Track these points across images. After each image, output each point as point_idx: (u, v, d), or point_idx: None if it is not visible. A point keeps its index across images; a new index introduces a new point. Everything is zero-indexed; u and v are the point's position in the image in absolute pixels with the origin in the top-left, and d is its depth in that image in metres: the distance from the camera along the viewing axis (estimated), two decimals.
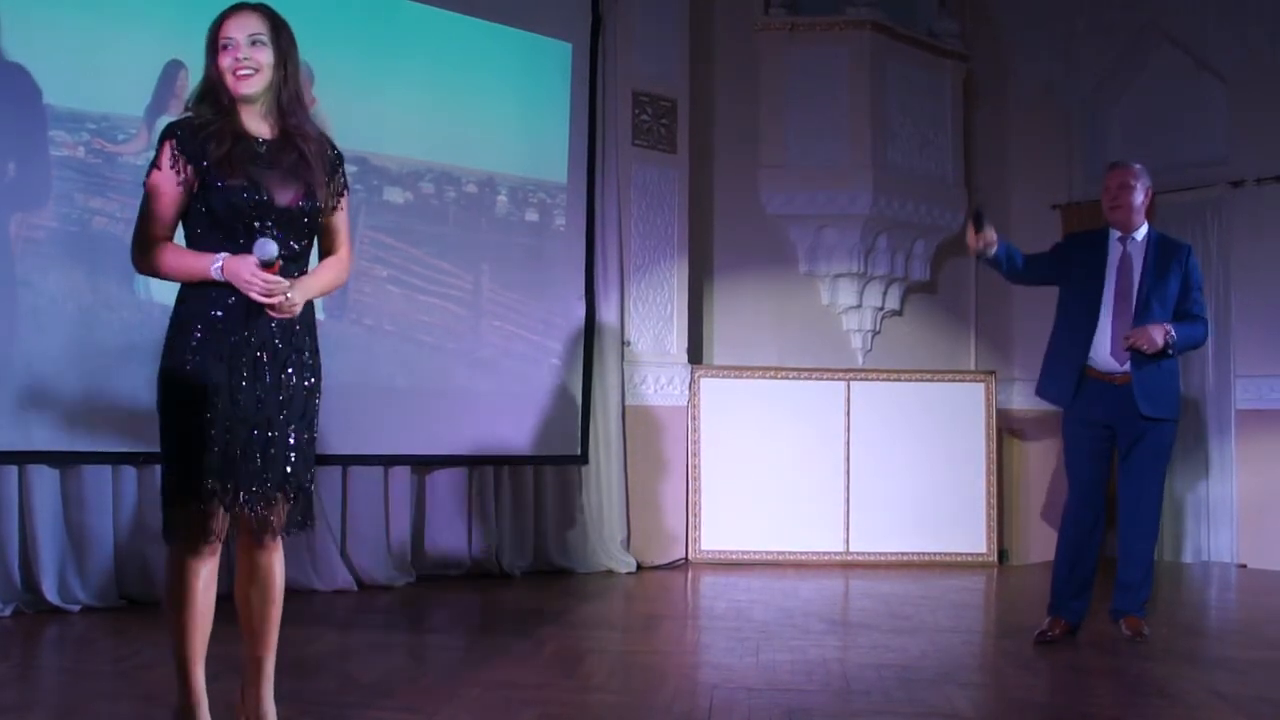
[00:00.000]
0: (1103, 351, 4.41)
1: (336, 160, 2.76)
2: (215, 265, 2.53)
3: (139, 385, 4.73)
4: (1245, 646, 4.50)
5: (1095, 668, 3.98)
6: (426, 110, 5.86)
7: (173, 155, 2.57)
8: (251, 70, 2.59)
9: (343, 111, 5.43)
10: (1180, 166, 7.49)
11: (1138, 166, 4.54)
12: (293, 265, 2.66)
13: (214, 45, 2.61)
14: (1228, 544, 7.14)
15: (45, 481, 4.67)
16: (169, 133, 2.61)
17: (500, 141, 6.16)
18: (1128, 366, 4.36)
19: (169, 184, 2.57)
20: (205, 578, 2.60)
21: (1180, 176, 7.44)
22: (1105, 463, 4.50)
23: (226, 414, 2.56)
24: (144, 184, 2.62)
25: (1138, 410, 4.34)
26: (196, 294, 2.59)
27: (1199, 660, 4.13)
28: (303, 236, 2.68)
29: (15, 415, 4.56)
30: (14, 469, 4.60)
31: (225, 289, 2.55)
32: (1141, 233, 4.51)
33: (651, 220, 6.79)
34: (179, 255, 2.59)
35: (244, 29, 2.60)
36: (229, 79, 2.59)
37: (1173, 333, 4.33)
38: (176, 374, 2.57)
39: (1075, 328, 4.48)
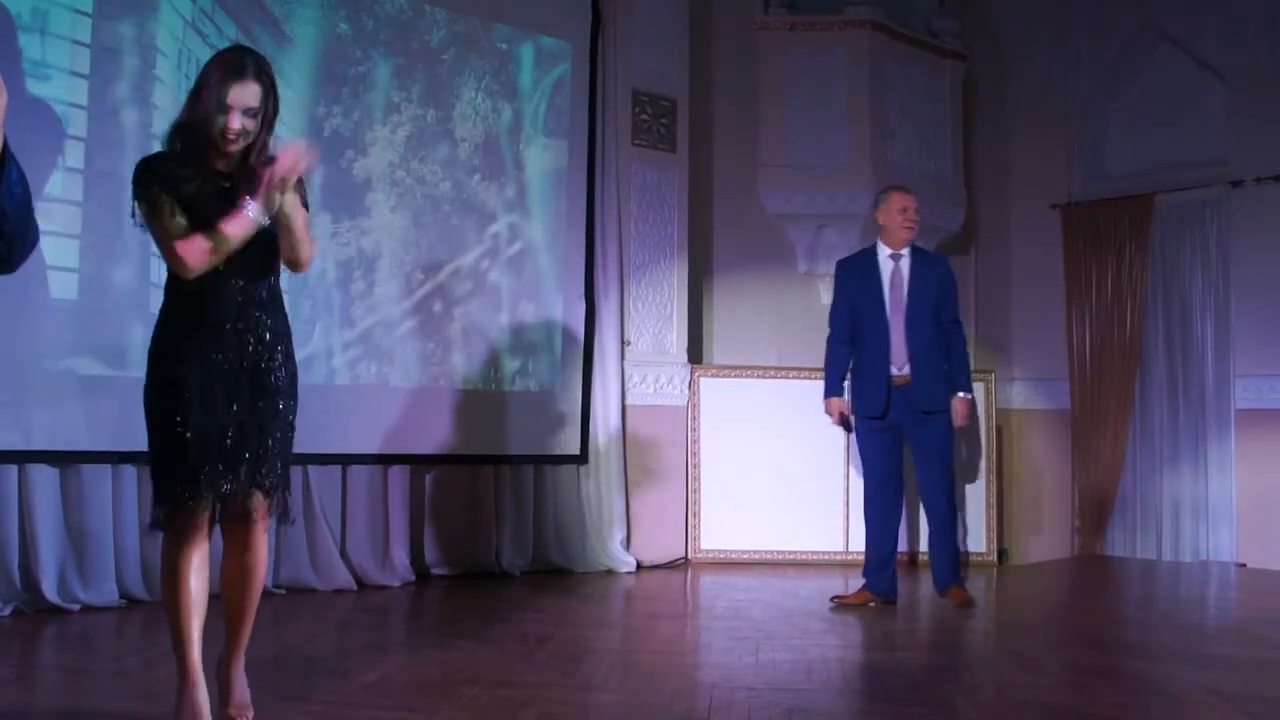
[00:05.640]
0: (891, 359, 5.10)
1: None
2: (248, 209, 2.63)
3: (139, 384, 4.73)
4: (1245, 645, 4.49)
5: (1095, 667, 3.98)
6: (426, 109, 5.86)
7: (156, 186, 2.67)
8: (240, 139, 2.69)
9: (340, 109, 5.43)
10: (1179, 166, 7.49)
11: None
12: (255, 284, 2.76)
13: (212, 96, 2.66)
14: (1227, 543, 7.14)
15: (45, 481, 4.66)
16: (148, 171, 2.69)
17: (499, 140, 6.16)
18: (906, 370, 5.05)
19: (164, 198, 2.66)
20: (195, 564, 2.74)
21: (1179, 176, 7.44)
22: (898, 456, 5.17)
23: (201, 408, 2.68)
24: (141, 213, 2.70)
25: (920, 406, 5.03)
26: (176, 294, 2.73)
27: (1199, 659, 4.13)
28: (264, 251, 2.76)
29: (15, 414, 4.56)
30: (14, 468, 4.60)
31: (200, 291, 2.67)
32: (906, 249, 5.11)
33: (651, 219, 6.79)
34: (215, 230, 2.65)
35: (243, 101, 2.66)
36: (219, 139, 2.68)
37: (968, 393, 5.19)
38: (154, 371, 2.74)
39: (876, 345, 5.07)
